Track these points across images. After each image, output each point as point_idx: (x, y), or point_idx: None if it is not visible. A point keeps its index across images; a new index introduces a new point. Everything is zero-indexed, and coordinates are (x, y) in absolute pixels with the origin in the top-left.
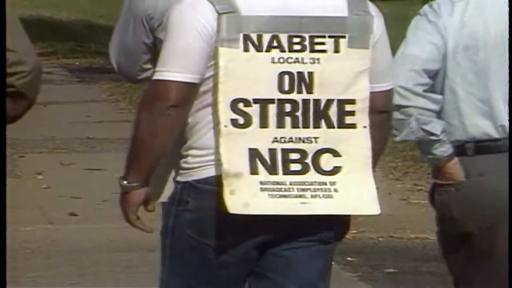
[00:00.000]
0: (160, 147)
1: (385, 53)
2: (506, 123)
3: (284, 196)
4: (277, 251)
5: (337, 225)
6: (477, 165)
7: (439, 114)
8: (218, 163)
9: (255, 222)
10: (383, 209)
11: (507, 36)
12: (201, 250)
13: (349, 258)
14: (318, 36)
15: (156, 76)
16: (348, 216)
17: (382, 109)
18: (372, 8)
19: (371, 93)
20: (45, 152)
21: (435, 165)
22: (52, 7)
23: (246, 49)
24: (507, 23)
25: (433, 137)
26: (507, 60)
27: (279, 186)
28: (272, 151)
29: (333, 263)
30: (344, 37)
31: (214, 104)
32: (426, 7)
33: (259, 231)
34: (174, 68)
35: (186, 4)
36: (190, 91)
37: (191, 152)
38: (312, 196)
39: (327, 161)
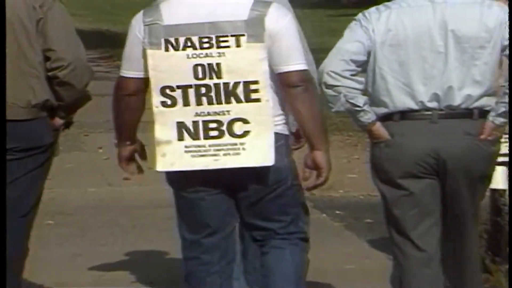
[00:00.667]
0: (126, 122)
1: (287, 42)
2: (425, 99)
3: (203, 155)
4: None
5: (260, 180)
6: (400, 128)
7: (364, 92)
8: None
9: (188, 178)
10: (364, 172)
11: (422, 36)
12: (177, 193)
13: (337, 212)
14: (222, 36)
15: (120, 73)
16: (265, 172)
17: (293, 85)
18: (272, 9)
19: (280, 73)
20: (104, 131)
21: (364, 129)
22: (109, 22)
23: (166, 49)
24: (420, 26)
25: (357, 108)
26: (422, 53)
27: (199, 149)
28: (195, 123)
29: (324, 215)
30: (243, 35)
31: (152, 89)
32: (360, 14)
33: (194, 185)
34: (124, 68)
35: (135, 18)
36: (138, 83)
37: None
38: (224, 154)
39: (239, 128)
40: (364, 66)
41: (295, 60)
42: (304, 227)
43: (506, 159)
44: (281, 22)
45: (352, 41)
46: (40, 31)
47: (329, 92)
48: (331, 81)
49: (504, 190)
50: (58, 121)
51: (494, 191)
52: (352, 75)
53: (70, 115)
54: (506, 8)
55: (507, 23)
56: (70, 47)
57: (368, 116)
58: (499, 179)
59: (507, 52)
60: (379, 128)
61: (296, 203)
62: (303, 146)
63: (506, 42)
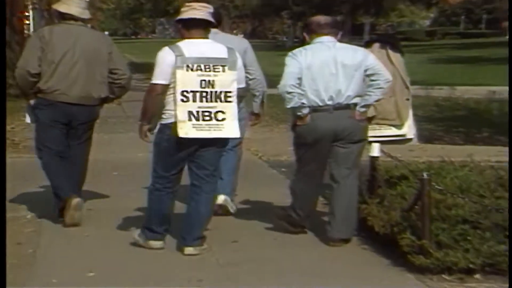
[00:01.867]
0: (151, 111)
1: (242, 73)
2: (325, 100)
3: (202, 130)
4: (199, 153)
5: (221, 141)
6: (313, 116)
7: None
8: (175, 117)
9: (188, 141)
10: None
11: (323, 64)
12: (169, 150)
13: (282, 169)
14: (216, 65)
15: (151, 81)
16: (228, 139)
17: (240, 94)
18: (237, 53)
19: (238, 88)
20: None
21: (299, 117)
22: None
23: (186, 70)
24: (323, 59)
25: (302, 105)
26: (324, 74)
27: (200, 126)
28: (197, 112)
29: (274, 171)
30: (226, 65)
31: (174, 93)
32: (292, 52)
33: (190, 145)
34: (157, 78)
35: (164, 51)
36: (164, 88)
37: (165, 112)
38: (214, 130)
39: (220, 116)
40: (299, 81)
41: (241, 83)
42: (218, 171)
43: (380, 138)
44: (240, 61)
45: (293, 68)
46: (109, 59)
47: (289, 96)
48: (290, 90)
49: (377, 157)
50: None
51: (372, 157)
52: (298, 86)
53: (115, 100)
54: (366, 52)
55: (365, 59)
56: (125, 68)
57: (306, 110)
58: (375, 150)
59: (367, 73)
60: (308, 116)
61: (219, 158)
62: (260, 123)
63: (367, 68)
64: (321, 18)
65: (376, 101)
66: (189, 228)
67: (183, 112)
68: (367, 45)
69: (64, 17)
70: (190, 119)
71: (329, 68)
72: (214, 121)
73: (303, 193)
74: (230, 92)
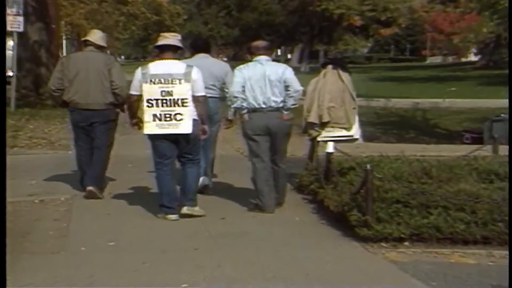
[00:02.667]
0: (131, 112)
1: (197, 84)
2: (260, 103)
3: (163, 128)
4: (176, 146)
5: (186, 138)
6: (252, 114)
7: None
8: (143, 119)
9: (158, 136)
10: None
11: (258, 77)
12: (154, 144)
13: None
14: (174, 79)
15: (129, 92)
16: (187, 135)
17: (198, 100)
18: (194, 69)
19: (194, 96)
20: None
21: (240, 115)
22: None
23: (150, 84)
24: (257, 73)
25: (242, 107)
26: (259, 84)
27: (162, 125)
28: (160, 114)
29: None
30: (182, 79)
31: (142, 100)
32: (239, 66)
33: (161, 139)
34: (132, 90)
35: (137, 70)
36: (137, 96)
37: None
38: (172, 127)
39: (178, 117)
40: (243, 89)
41: (200, 91)
42: (198, 157)
43: (334, 138)
44: (196, 75)
45: (239, 78)
46: (109, 73)
47: (234, 99)
48: (236, 95)
49: (331, 152)
50: (117, 109)
51: (328, 153)
52: (242, 93)
53: (122, 107)
54: (286, 68)
55: (284, 74)
56: (120, 81)
57: (245, 111)
58: (330, 147)
59: (285, 84)
60: (246, 115)
61: (197, 148)
62: (232, 127)
63: (285, 80)
64: (258, 43)
65: (293, 104)
66: (183, 193)
67: (149, 115)
68: (323, 66)
69: (86, 43)
70: (154, 120)
71: (261, 80)
72: (173, 121)
73: (261, 174)
74: (186, 99)
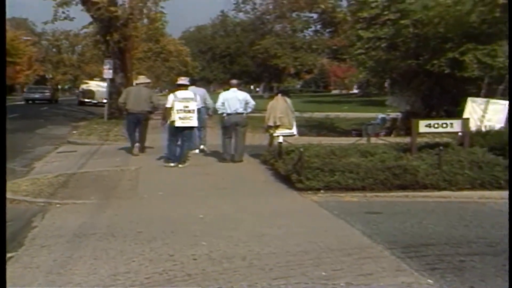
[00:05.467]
0: (164, 116)
1: (199, 101)
2: (232, 110)
3: (183, 123)
4: (182, 131)
5: (191, 129)
6: (227, 116)
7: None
8: (174, 118)
9: (178, 127)
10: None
11: (232, 98)
12: (171, 130)
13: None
14: (188, 99)
15: (165, 105)
16: (192, 128)
17: (202, 112)
18: (196, 95)
19: (197, 107)
20: None
21: (222, 118)
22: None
23: (177, 101)
24: (231, 95)
25: (223, 113)
26: (233, 101)
27: (182, 122)
28: (181, 116)
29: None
30: (192, 98)
31: (172, 109)
32: (222, 92)
33: (179, 129)
34: (168, 104)
35: (170, 95)
36: (169, 108)
37: (171, 117)
38: (187, 123)
39: (191, 117)
40: (223, 103)
41: (198, 105)
42: (191, 139)
43: (282, 134)
44: (196, 97)
45: (221, 98)
46: (150, 97)
47: (219, 108)
48: (219, 107)
49: (281, 142)
50: (150, 114)
51: (279, 142)
52: (223, 105)
53: (152, 113)
54: (247, 94)
55: (246, 97)
56: (155, 101)
57: (224, 114)
58: (280, 139)
59: (246, 101)
60: (225, 116)
61: (191, 134)
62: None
63: (246, 100)
64: (232, 81)
65: (249, 112)
66: (179, 157)
67: (176, 117)
68: (275, 94)
69: (137, 83)
70: (179, 119)
71: (233, 99)
72: (188, 120)
73: (225, 145)
74: (193, 109)
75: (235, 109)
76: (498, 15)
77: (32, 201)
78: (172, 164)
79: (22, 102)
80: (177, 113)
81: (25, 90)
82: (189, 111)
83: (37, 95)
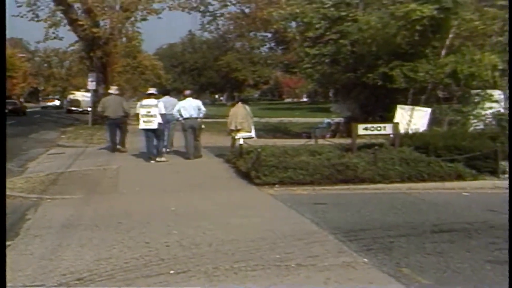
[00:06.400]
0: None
1: (160, 108)
2: (188, 115)
3: (146, 124)
4: (151, 133)
5: (155, 130)
6: (185, 120)
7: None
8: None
9: (144, 129)
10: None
11: (189, 105)
12: (144, 132)
13: (206, 147)
14: (151, 106)
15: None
16: (157, 128)
17: (160, 115)
18: (159, 103)
19: (160, 113)
20: None
21: (181, 123)
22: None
23: (142, 108)
24: (188, 103)
25: (181, 117)
26: (190, 108)
27: (146, 125)
28: (144, 120)
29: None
30: (154, 106)
31: (139, 114)
32: (180, 101)
33: (145, 130)
34: (137, 111)
35: (138, 103)
36: (137, 114)
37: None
38: (150, 125)
39: (153, 121)
40: (182, 109)
41: (160, 111)
42: (162, 138)
43: (243, 137)
44: (159, 104)
45: (179, 106)
46: (121, 104)
47: (177, 114)
48: (178, 112)
49: (241, 144)
50: (126, 119)
51: (240, 144)
52: (181, 111)
53: (127, 118)
54: (199, 102)
55: (199, 104)
56: (126, 108)
57: (182, 118)
58: (241, 141)
59: (198, 108)
60: (183, 120)
61: (162, 134)
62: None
63: (198, 106)
64: (187, 92)
65: (202, 116)
66: (154, 153)
67: (141, 121)
68: (236, 102)
69: (110, 93)
70: (143, 123)
71: (190, 106)
72: (150, 123)
73: (187, 145)
74: (155, 114)
75: (190, 114)
76: (417, 38)
77: (26, 197)
78: (152, 162)
79: None
80: (142, 117)
81: None
82: (151, 116)
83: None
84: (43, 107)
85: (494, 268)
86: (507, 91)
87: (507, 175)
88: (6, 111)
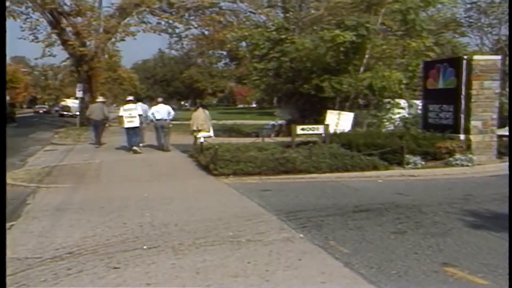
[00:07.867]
0: (120, 121)
1: (139, 111)
2: (160, 117)
3: (129, 123)
4: (132, 131)
5: (135, 128)
6: (156, 121)
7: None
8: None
9: (129, 127)
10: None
11: (162, 109)
12: (126, 130)
13: (173, 145)
14: (132, 109)
15: (119, 114)
16: (137, 127)
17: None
18: (137, 106)
19: (138, 114)
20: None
21: (153, 123)
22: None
23: (124, 111)
24: (162, 109)
25: (153, 119)
26: (162, 112)
27: (128, 123)
28: (128, 120)
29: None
30: (134, 109)
31: (123, 116)
32: (154, 106)
33: (127, 128)
34: (120, 113)
35: (121, 107)
36: (121, 116)
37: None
38: (132, 124)
39: (134, 120)
40: (155, 113)
41: (140, 113)
42: (138, 134)
43: (203, 136)
44: (138, 108)
45: (152, 110)
46: (103, 109)
47: (151, 116)
48: (152, 115)
49: (202, 142)
50: (106, 121)
51: (201, 142)
52: (154, 114)
53: (107, 122)
54: (169, 106)
55: (169, 109)
56: (106, 112)
57: (154, 120)
58: (201, 140)
59: (168, 112)
60: (155, 121)
61: (139, 131)
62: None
63: (169, 111)
64: (159, 99)
65: (171, 119)
66: (134, 145)
67: (125, 121)
68: (198, 107)
69: (97, 101)
70: (127, 122)
71: (162, 110)
72: (132, 122)
73: (158, 140)
74: (135, 115)
75: (161, 116)
76: (342, 57)
77: (27, 186)
78: (131, 152)
79: None
80: (125, 118)
81: None
82: (132, 116)
83: None
84: (34, 112)
85: (397, 237)
86: (410, 100)
87: (410, 165)
88: None
